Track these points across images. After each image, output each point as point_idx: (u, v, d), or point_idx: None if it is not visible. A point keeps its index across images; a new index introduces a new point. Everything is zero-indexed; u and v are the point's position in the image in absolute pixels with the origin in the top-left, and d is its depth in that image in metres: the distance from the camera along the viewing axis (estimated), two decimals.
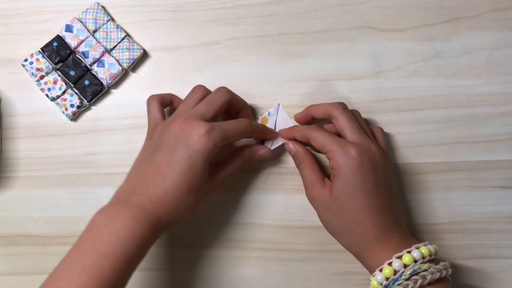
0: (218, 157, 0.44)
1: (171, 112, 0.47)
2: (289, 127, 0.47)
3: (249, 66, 0.50)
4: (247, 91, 0.50)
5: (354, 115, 0.45)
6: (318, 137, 0.43)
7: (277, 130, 0.48)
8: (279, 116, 0.48)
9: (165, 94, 0.48)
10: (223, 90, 0.45)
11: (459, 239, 0.49)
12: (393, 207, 0.43)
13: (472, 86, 0.49)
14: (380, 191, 0.41)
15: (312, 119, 0.47)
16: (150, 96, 0.47)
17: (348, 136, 0.43)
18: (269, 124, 0.48)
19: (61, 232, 0.51)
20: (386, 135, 0.49)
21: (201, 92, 0.45)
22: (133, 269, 0.39)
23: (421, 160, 0.49)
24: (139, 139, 0.49)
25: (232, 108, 0.47)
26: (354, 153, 0.41)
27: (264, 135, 0.47)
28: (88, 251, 0.37)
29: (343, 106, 0.44)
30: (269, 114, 0.48)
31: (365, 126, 0.45)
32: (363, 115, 0.49)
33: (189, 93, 0.46)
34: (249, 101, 0.49)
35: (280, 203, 0.49)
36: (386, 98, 0.49)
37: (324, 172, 0.46)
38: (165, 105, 0.47)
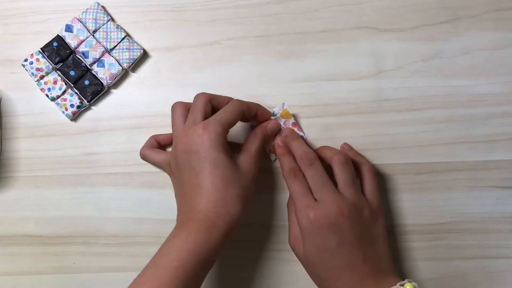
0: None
1: None
2: (288, 144, 0.47)
3: (249, 66, 0.50)
4: (247, 91, 0.50)
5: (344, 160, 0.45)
6: (293, 187, 0.44)
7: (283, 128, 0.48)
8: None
9: (148, 140, 0.49)
10: (234, 102, 0.45)
11: (459, 239, 0.49)
12: (367, 256, 0.42)
13: (472, 86, 0.49)
14: (346, 249, 0.42)
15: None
16: (141, 151, 0.49)
17: (320, 191, 0.44)
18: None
19: (61, 232, 0.51)
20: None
21: (181, 109, 0.46)
22: (198, 278, 0.40)
23: (421, 160, 0.49)
24: (139, 139, 0.49)
25: (248, 116, 0.47)
26: (312, 217, 0.42)
27: (259, 110, 0.47)
28: (150, 266, 0.40)
29: (339, 159, 0.45)
30: (273, 114, 0.48)
31: (350, 175, 0.45)
32: (363, 115, 0.49)
33: (172, 116, 0.46)
34: (248, 100, 0.49)
35: (280, 203, 0.49)
36: (386, 98, 0.49)
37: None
38: (155, 147, 0.49)
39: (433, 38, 0.49)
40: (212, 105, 0.45)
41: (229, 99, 0.47)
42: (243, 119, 0.46)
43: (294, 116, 0.49)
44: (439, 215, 0.49)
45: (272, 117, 0.48)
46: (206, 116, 0.44)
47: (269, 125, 0.48)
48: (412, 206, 0.49)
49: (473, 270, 0.49)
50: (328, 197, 0.43)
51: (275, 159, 0.49)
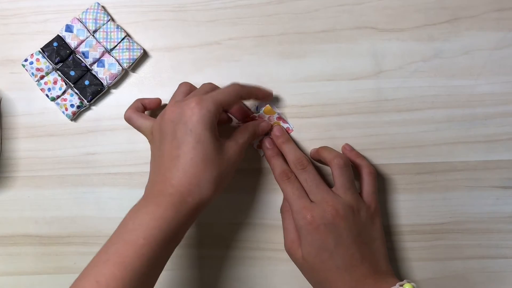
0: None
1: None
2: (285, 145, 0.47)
3: (249, 66, 0.50)
4: None
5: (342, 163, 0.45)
6: (287, 190, 0.45)
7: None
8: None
9: (134, 102, 0.48)
10: (233, 85, 0.45)
11: (459, 239, 0.49)
12: (365, 256, 0.43)
13: (472, 86, 0.49)
14: (343, 249, 0.42)
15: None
16: (125, 113, 0.47)
17: (315, 192, 0.44)
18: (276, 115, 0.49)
19: (61, 232, 0.51)
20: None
21: (186, 87, 0.46)
22: (164, 254, 0.39)
23: (421, 160, 0.49)
24: (139, 139, 0.49)
25: (247, 99, 0.47)
26: (309, 218, 0.43)
27: (259, 92, 0.47)
28: (114, 242, 0.38)
29: (338, 163, 0.45)
30: (256, 110, 0.49)
31: (348, 179, 0.45)
32: (363, 115, 0.49)
33: (176, 90, 0.46)
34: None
35: (280, 203, 0.49)
36: (386, 98, 0.49)
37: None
38: (141, 111, 0.48)
39: (433, 38, 0.49)
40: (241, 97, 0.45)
41: (256, 88, 0.47)
42: (243, 99, 0.46)
43: (278, 112, 0.49)
44: (439, 215, 0.49)
45: (255, 114, 0.48)
46: (223, 105, 0.43)
47: (262, 123, 0.47)
48: (412, 206, 0.49)
49: (473, 270, 0.49)
50: (323, 198, 0.44)
51: (263, 154, 0.49)
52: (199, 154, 0.40)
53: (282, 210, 0.47)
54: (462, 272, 0.49)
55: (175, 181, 0.40)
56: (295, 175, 0.45)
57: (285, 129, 0.49)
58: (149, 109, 0.49)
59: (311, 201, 0.44)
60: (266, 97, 0.48)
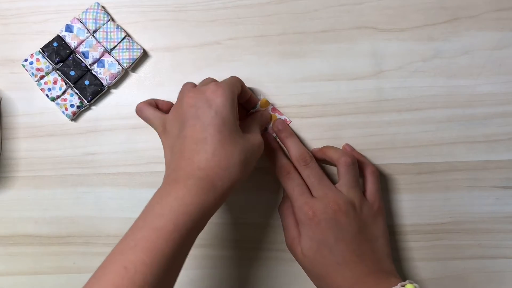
0: None
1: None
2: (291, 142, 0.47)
3: (249, 66, 0.50)
4: None
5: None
6: (287, 186, 0.45)
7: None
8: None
9: (148, 99, 0.47)
10: (235, 77, 0.46)
11: (459, 239, 0.49)
12: (365, 254, 0.43)
13: (472, 86, 0.49)
14: (343, 245, 0.42)
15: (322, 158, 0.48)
16: (138, 105, 0.46)
17: (317, 188, 0.44)
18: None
19: (61, 232, 0.51)
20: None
21: (192, 84, 0.45)
22: (191, 240, 0.38)
23: (421, 160, 0.49)
24: (139, 139, 0.49)
25: (240, 96, 0.46)
26: (311, 214, 0.43)
27: (252, 97, 0.48)
28: (141, 227, 0.37)
29: (346, 161, 0.45)
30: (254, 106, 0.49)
31: (353, 178, 0.45)
32: (363, 115, 0.49)
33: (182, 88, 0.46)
34: None
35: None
36: (386, 98, 0.49)
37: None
38: (153, 106, 0.47)
39: (433, 38, 0.49)
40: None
41: (250, 93, 0.47)
42: (238, 96, 0.46)
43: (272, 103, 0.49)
44: (439, 215, 0.49)
45: (252, 110, 0.49)
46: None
47: (265, 113, 0.48)
48: (412, 206, 0.49)
49: (473, 270, 0.49)
50: (325, 193, 0.44)
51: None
52: (227, 136, 0.40)
53: (280, 208, 0.47)
54: (462, 272, 0.49)
55: (203, 164, 0.39)
56: (297, 171, 0.45)
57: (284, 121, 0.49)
58: (161, 109, 0.47)
59: (314, 196, 0.44)
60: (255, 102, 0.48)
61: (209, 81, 0.44)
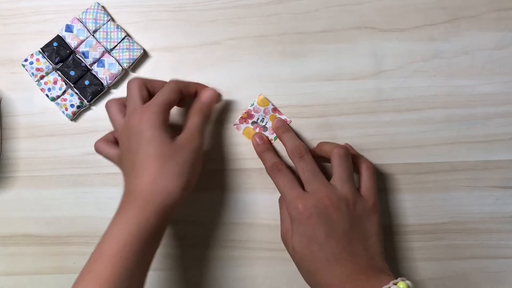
0: None
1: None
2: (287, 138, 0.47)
3: (249, 66, 0.50)
4: (247, 91, 0.50)
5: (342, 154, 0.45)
6: (279, 182, 0.45)
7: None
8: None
9: (106, 134, 0.48)
10: (170, 82, 0.45)
11: (459, 239, 0.49)
12: (357, 251, 0.42)
13: (472, 86, 0.49)
14: (334, 241, 0.41)
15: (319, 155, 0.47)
16: (95, 144, 0.47)
17: (311, 182, 0.44)
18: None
19: (61, 232, 0.51)
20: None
21: (115, 105, 0.45)
22: (139, 259, 0.39)
23: (421, 160, 0.49)
24: None
25: (187, 94, 0.46)
26: (301, 208, 0.42)
27: (199, 87, 0.47)
28: (89, 259, 0.40)
29: (339, 153, 0.44)
30: (251, 104, 0.49)
31: (347, 170, 0.44)
32: (363, 115, 0.49)
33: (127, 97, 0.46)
34: (249, 101, 0.49)
35: None
36: (386, 98, 0.49)
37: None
38: (111, 142, 0.47)
39: (433, 38, 0.49)
40: (147, 89, 0.45)
41: (164, 83, 0.46)
42: (185, 97, 0.46)
43: (272, 103, 0.49)
44: (439, 215, 0.49)
45: (250, 107, 0.49)
46: (144, 101, 0.43)
47: (204, 95, 0.46)
48: (412, 206, 0.49)
49: (473, 270, 0.49)
50: (318, 188, 0.43)
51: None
52: (153, 153, 0.41)
53: (280, 200, 0.47)
54: (462, 272, 0.49)
55: (138, 186, 0.41)
56: (289, 167, 0.45)
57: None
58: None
59: (306, 191, 0.43)
60: (210, 95, 0.46)
61: (133, 102, 0.44)
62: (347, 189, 0.43)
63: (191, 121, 0.44)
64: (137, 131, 0.42)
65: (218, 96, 0.47)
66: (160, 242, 0.42)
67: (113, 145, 0.46)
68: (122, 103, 0.46)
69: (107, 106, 0.46)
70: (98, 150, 0.47)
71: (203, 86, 0.48)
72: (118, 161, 0.45)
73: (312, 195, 0.43)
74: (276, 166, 0.45)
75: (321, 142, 0.48)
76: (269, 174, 0.46)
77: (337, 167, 0.44)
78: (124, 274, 0.38)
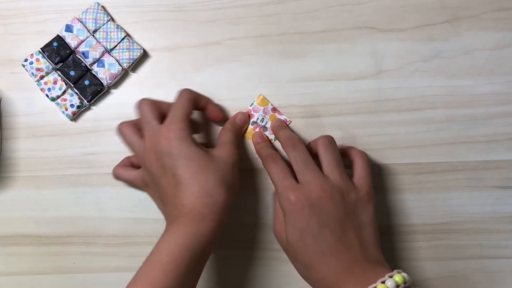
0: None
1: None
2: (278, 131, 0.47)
3: (249, 66, 0.50)
4: (247, 91, 0.50)
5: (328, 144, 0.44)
6: (272, 171, 0.44)
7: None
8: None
9: (122, 160, 0.49)
10: (183, 93, 0.46)
11: (459, 239, 0.49)
12: (351, 242, 0.41)
13: (472, 86, 0.49)
14: (328, 233, 0.40)
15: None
16: (113, 170, 0.48)
17: (303, 172, 0.43)
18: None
19: (61, 232, 0.51)
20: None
21: (128, 128, 0.46)
22: (190, 270, 0.39)
23: (421, 160, 0.49)
24: None
25: (198, 106, 0.47)
26: (293, 199, 0.41)
27: (210, 105, 0.48)
28: (141, 267, 0.39)
29: (323, 141, 0.44)
30: (251, 104, 0.49)
31: (334, 156, 0.44)
32: (363, 115, 0.49)
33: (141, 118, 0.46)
34: (248, 101, 0.49)
35: None
36: (386, 98, 0.49)
37: None
38: (128, 165, 0.49)
39: (433, 38, 0.49)
40: (157, 107, 0.45)
41: (170, 105, 0.46)
42: (195, 108, 0.46)
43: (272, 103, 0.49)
44: (439, 215, 0.49)
45: (249, 107, 0.49)
46: (158, 120, 0.44)
47: (238, 116, 0.48)
48: (412, 206, 0.49)
49: (473, 270, 0.49)
50: (310, 178, 0.42)
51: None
52: (195, 168, 0.41)
53: (273, 195, 0.47)
54: (462, 272, 0.49)
55: (185, 201, 0.41)
56: (281, 158, 0.45)
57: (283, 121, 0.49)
58: (137, 165, 0.48)
59: (298, 182, 0.43)
60: (214, 111, 0.48)
61: (149, 123, 0.44)
62: (339, 178, 0.42)
63: (224, 136, 0.46)
64: (168, 150, 0.42)
65: (248, 121, 0.49)
66: (210, 254, 0.42)
67: (132, 168, 0.48)
68: (134, 125, 0.46)
69: (119, 129, 0.46)
70: (117, 176, 0.48)
71: (213, 104, 0.49)
72: (142, 183, 0.46)
73: (305, 185, 0.42)
74: (271, 156, 0.45)
75: (312, 140, 0.47)
76: (263, 165, 0.45)
77: (324, 155, 0.44)
78: (176, 282, 0.38)
